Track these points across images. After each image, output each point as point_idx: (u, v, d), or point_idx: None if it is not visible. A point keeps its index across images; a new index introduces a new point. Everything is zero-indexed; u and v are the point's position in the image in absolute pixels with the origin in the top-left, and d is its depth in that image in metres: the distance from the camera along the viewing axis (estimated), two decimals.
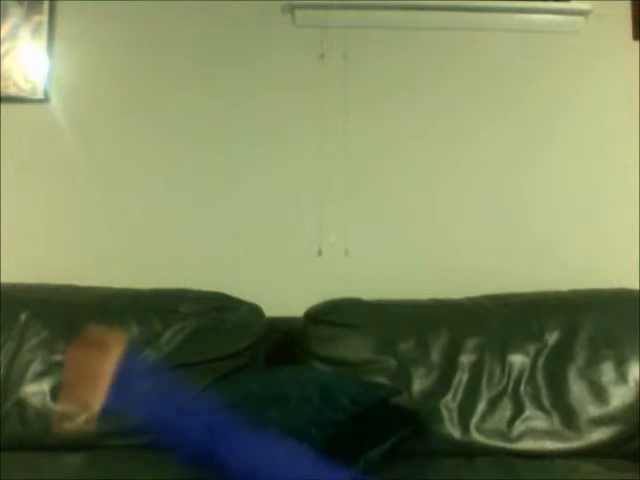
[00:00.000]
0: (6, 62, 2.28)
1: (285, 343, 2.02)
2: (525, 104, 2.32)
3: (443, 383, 1.85)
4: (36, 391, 1.81)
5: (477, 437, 1.78)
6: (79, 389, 1.04)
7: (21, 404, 1.80)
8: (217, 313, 1.96)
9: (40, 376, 1.83)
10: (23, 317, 1.91)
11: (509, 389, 1.84)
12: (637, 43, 2.32)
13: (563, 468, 1.66)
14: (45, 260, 2.20)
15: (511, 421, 1.80)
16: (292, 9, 2.31)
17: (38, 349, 1.87)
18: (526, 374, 1.85)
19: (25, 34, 2.29)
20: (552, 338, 1.89)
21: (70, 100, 2.30)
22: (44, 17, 2.29)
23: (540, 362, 1.87)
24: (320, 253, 2.25)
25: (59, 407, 1.26)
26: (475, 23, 2.33)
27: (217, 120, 2.31)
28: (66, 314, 1.93)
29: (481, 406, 1.82)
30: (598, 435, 1.79)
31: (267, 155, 2.30)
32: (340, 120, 2.27)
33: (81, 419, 1.03)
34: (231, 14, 2.31)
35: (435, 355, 1.89)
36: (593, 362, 1.85)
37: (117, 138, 2.30)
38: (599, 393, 1.82)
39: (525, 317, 1.94)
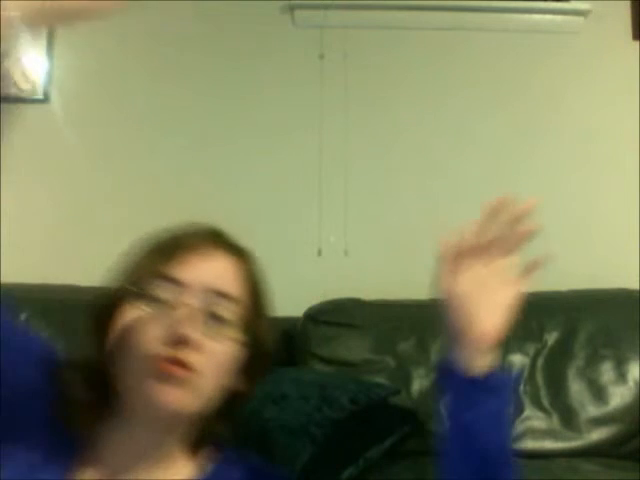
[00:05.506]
0: (6, 62, 2.28)
1: (285, 343, 2.02)
2: (525, 104, 2.32)
3: None
4: None
5: None
6: None
7: None
8: None
9: None
10: (23, 317, 1.91)
11: None
12: (637, 43, 2.32)
13: (563, 468, 1.65)
14: (45, 260, 2.20)
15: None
16: (292, 9, 2.31)
17: None
18: (525, 374, 1.85)
19: (25, 34, 2.29)
20: (551, 338, 1.89)
21: (70, 100, 2.30)
22: None
23: (539, 362, 1.86)
24: (320, 253, 2.25)
25: None
26: (475, 23, 2.34)
27: (217, 120, 2.31)
28: (66, 314, 1.93)
29: None
30: (598, 435, 1.79)
31: (267, 155, 2.31)
32: (340, 120, 2.27)
33: None
34: (231, 14, 2.32)
35: (435, 355, 1.88)
36: (593, 362, 1.85)
37: (117, 138, 2.31)
38: (599, 393, 1.82)
39: (525, 317, 1.92)
